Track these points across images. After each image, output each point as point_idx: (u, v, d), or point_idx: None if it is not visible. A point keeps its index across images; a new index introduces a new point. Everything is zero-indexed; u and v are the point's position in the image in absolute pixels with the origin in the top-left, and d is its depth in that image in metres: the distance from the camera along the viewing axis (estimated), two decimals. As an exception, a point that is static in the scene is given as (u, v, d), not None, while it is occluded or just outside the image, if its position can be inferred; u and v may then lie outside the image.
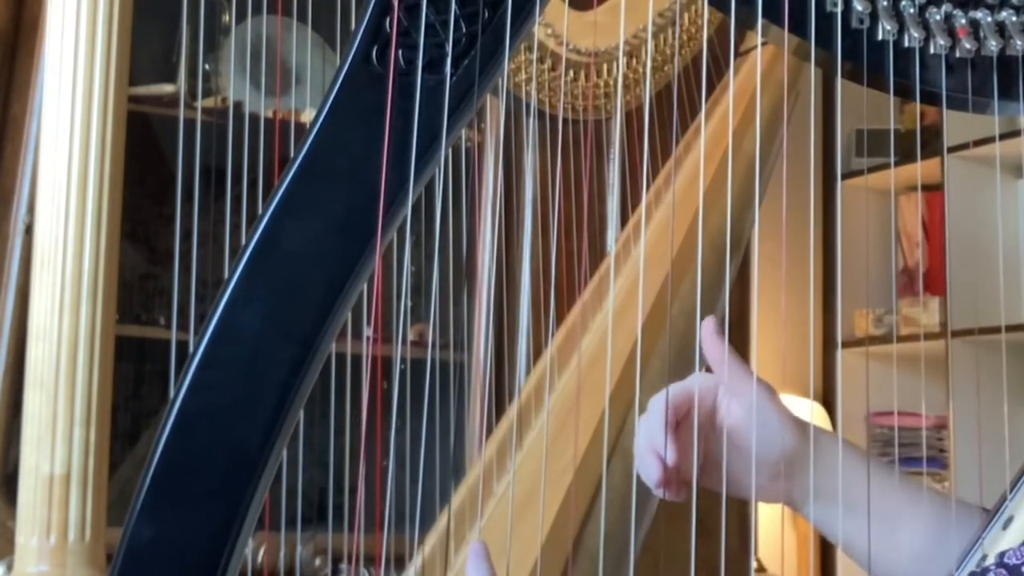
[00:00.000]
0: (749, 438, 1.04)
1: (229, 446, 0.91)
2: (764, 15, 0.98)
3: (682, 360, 1.80)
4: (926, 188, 3.84)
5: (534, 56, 1.97)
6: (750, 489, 1.04)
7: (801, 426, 1.07)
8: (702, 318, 1.10)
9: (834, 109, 3.59)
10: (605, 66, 2.03)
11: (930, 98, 1.02)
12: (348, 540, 1.76)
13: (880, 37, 1.00)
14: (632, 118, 2.01)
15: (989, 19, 1.01)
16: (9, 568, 1.44)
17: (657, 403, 1.06)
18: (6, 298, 2.33)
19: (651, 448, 1.04)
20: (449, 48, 0.93)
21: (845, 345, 3.82)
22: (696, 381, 1.08)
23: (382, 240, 0.92)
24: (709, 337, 1.07)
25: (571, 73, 2.01)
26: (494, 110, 2.13)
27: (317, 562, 2.43)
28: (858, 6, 1.00)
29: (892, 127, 3.81)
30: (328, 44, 2.22)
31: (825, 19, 1.00)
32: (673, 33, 2.07)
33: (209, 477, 0.91)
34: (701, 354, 1.11)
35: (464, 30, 0.94)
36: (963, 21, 1.01)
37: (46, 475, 1.36)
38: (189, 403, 0.91)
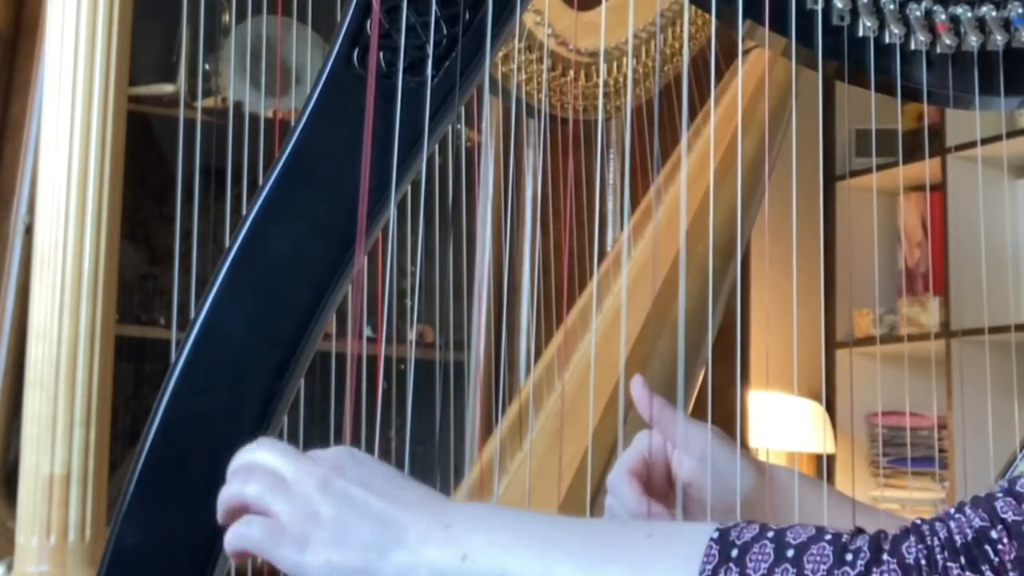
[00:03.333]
0: (704, 488, 1.02)
1: (214, 448, 0.90)
2: (746, 14, 0.98)
3: (680, 359, 1.80)
4: (926, 188, 3.84)
5: (534, 56, 1.97)
6: None
7: (757, 465, 1.06)
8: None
9: (834, 109, 3.60)
10: (604, 66, 2.03)
11: (912, 94, 1.02)
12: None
13: (861, 34, 1.00)
14: (632, 117, 2.01)
15: (969, 15, 1.01)
16: (9, 568, 1.44)
17: (618, 480, 1.04)
18: (6, 298, 2.33)
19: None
20: (430, 50, 0.93)
21: (845, 345, 3.82)
22: (644, 443, 1.06)
23: (366, 241, 0.92)
24: (639, 397, 1.05)
25: (571, 73, 2.01)
26: (494, 110, 2.12)
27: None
28: (838, 3, 1.00)
29: (891, 127, 3.81)
30: (328, 44, 2.22)
31: (806, 17, 1.00)
32: (673, 33, 2.07)
33: (194, 480, 0.90)
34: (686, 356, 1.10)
35: (445, 32, 0.94)
36: (943, 17, 1.01)
37: (46, 475, 1.36)
38: (174, 406, 0.91)
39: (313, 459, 0.82)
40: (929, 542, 0.74)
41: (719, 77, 2.02)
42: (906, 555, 0.73)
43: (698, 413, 1.20)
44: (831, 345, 3.78)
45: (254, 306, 0.92)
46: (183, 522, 0.90)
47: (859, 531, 0.77)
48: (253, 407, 0.91)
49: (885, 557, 0.73)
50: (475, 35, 0.94)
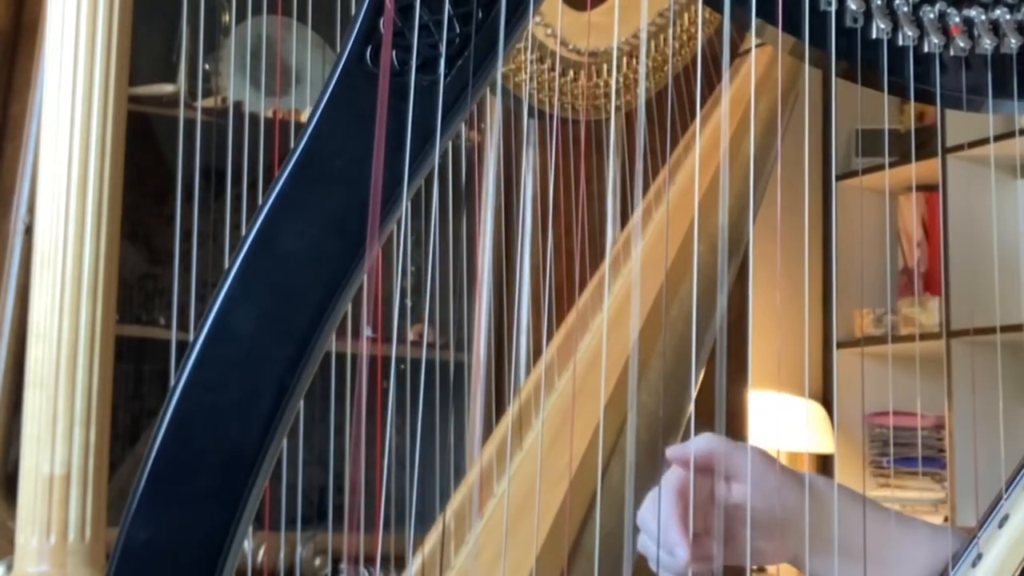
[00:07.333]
0: (752, 510, 1.03)
1: (226, 445, 0.91)
2: (758, 15, 0.98)
3: (680, 361, 1.80)
4: (925, 188, 3.84)
5: (534, 56, 1.97)
6: (758, 554, 1.04)
7: (798, 480, 1.06)
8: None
9: (832, 109, 3.60)
10: (604, 66, 2.03)
11: (924, 96, 1.02)
12: (348, 540, 1.76)
13: (874, 36, 1.00)
14: (632, 118, 2.01)
15: (983, 17, 1.01)
16: (9, 568, 1.44)
17: (667, 495, 1.04)
18: (6, 298, 2.33)
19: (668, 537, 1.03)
20: (443, 48, 0.93)
21: (843, 345, 3.82)
22: (693, 446, 1.06)
23: (378, 239, 0.93)
24: (676, 460, 1.06)
25: (570, 73, 2.01)
26: (494, 110, 2.13)
27: (317, 562, 2.43)
28: (852, 5, 1.00)
29: (891, 127, 3.81)
30: (328, 44, 2.22)
31: (819, 18, 1.00)
32: (673, 33, 2.07)
33: (206, 476, 0.91)
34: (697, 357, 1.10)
35: (458, 30, 0.94)
36: (957, 19, 1.01)
37: (46, 475, 1.36)
38: (185, 402, 0.91)
39: None
40: None
41: (719, 77, 2.02)
42: None
43: (698, 414, 1.20)
44: (830, 345, 3.77)
45: (266, 302, 0.92)
46: (194, 518, 0.90)
47: None
48: (265, 403, 0.91)
49: None
50: (488, 34, 0.94)
